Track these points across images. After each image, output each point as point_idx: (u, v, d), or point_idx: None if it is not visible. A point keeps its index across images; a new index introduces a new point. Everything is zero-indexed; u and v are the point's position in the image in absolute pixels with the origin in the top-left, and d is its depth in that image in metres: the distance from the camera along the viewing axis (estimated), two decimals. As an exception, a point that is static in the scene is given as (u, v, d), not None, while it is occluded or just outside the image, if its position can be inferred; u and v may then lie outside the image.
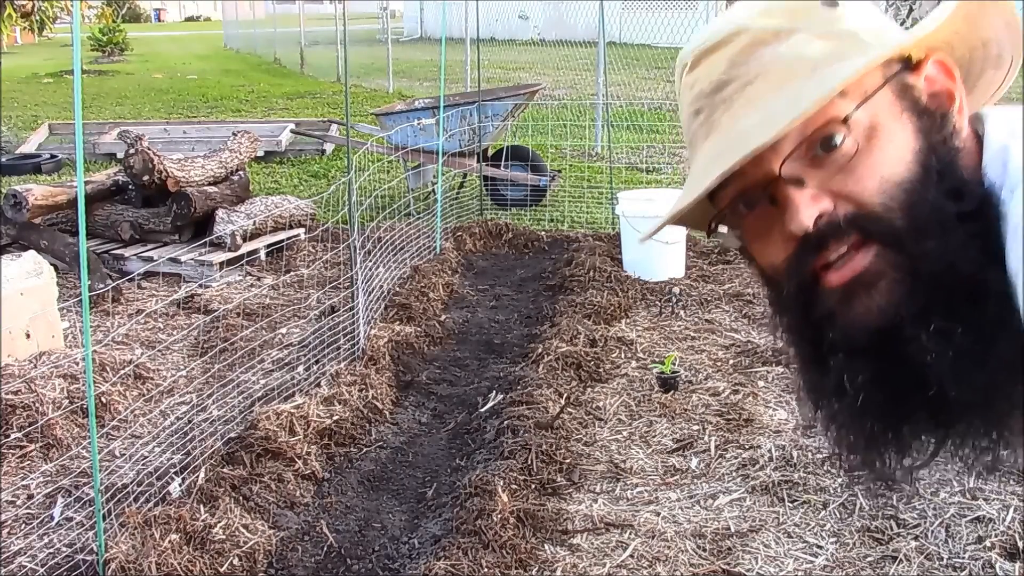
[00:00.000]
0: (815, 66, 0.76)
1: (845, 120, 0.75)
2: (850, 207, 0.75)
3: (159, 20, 60.58)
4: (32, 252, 4.43)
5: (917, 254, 0.73)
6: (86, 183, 5.30)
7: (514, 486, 2.95)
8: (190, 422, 3.45)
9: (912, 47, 0.79)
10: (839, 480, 3.04)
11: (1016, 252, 0.70)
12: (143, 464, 3.17)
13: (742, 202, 0.82)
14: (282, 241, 5.82)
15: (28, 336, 4.00)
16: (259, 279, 5.40)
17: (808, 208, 0.75)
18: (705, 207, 0.83)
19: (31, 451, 3.29)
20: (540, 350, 4.03)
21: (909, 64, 0.79)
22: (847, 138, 0.75)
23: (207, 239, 5.12)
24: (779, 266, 0.80)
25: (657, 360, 4.00)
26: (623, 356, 4.13)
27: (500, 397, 3.75)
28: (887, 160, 0.75)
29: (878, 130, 0.76)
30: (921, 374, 0.73)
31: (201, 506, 2.82)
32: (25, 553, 2.75)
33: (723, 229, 0.87)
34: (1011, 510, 2.81)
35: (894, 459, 0.81)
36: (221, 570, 2.60)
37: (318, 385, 3.72)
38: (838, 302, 0.76)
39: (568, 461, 3.18)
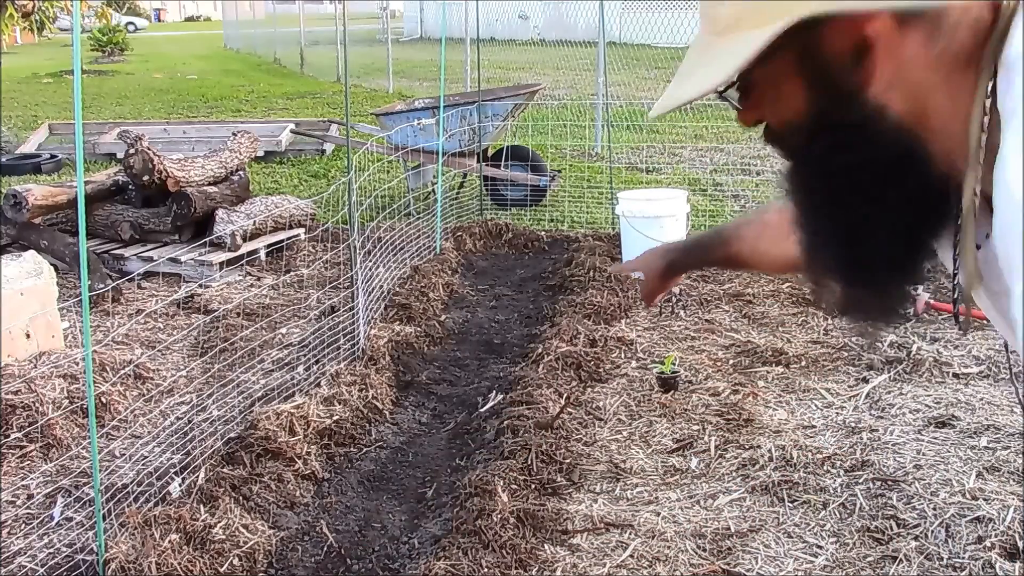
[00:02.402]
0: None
1: (749, 71, 0.87)
2: (772, 121, 0.93)
3: (159, 20, 60.61)
4: (32, 252, 4.43)
5: (801, 159, 0.92)
6: (86, 183, 5.30)
7: (514, 486, 2.95)
8: (190, 422, 3.45)
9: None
10: (839, 480, 3.04)
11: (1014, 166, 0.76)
12: (143, 464, 3.17)
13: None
14: (282, 241, 5.82)
15: (28, 336, 4.00)
16: (259, 279, 5.40)
17: (745, 117, 0.94)
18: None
19: (31, 451, 3.29)
20: (540, 350, 4.03)
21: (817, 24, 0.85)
22: (756, 82, 0.89)
23: (207, 239, 5.12)
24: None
25: (657, 360, 4.00)
26: (623, 356, 4.13)
27: (500, 397, 3.75)
28: (782, 108, 0.90)
29: (776, 82, 0.88)
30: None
31: (201, 506, 2.82)
32: (25, 553, 2.75)
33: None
34: (1011, 510, 2.81)
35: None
36: (221, 570, 2.60)
37: (318, 385, 3.72)
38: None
39: (568, 461, 3.18)
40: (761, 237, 1.43)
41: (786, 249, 1.35)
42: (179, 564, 2.54)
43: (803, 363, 3.96)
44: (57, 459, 3.23)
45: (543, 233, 6.25)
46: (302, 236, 6.00)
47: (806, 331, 4.33)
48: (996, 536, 2.68)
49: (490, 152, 7.05)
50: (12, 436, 3.28)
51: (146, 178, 5.46)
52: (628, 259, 5.31)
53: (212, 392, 3.68)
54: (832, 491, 2.99)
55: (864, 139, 0.87)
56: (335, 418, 3.48)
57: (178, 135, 9.86)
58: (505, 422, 3.41)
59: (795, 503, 2.94)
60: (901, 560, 2.61)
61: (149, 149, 5.48)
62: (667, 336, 4.37)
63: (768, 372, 3.90)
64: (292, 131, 9.48)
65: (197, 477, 3.04)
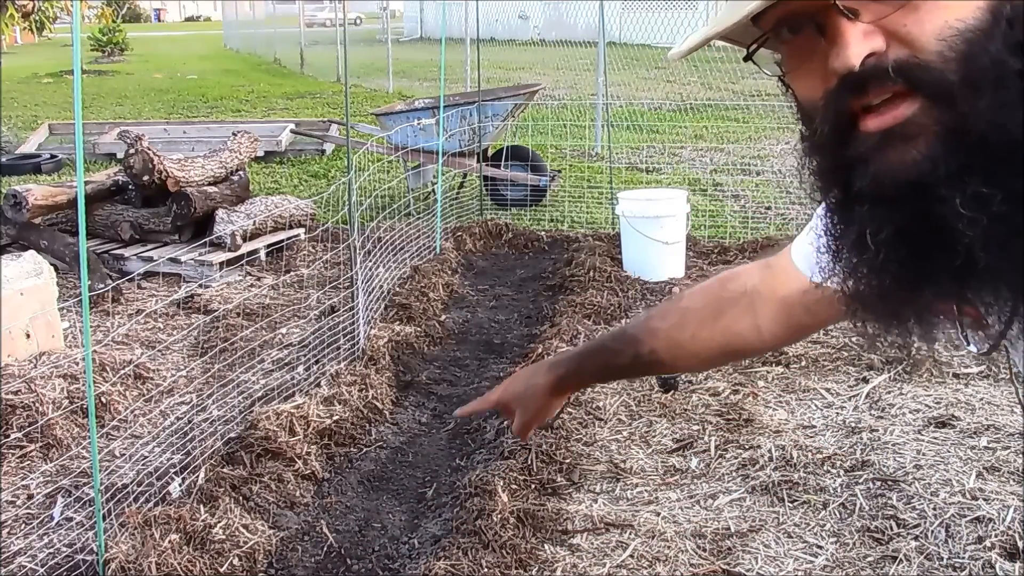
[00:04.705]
0: None
1: None
2: (903, 51, 0.68)
3: (159, 20, 60.63)
4: (32, 252, 4.43)
5: (966, 111, 0.66)
6: (86, 183, 5.30)
7: (514, 486, 2.95)
8: (190, 422, 3.45)
9: None
10: (839, 480, 3.04)
11: None
12: (143, 464, 3.17)
13: (787, 26, 0.75)
14: (282, 241, 5.82)
15: (28, 336, 4.00)
16: (259, 279, 5.40)
17: (858, 45, 0.68)
18: (747, 25, 0.75)
19: (31, 451, 3.29)
20: (540, 350, 4.03)
21: None
22: None
23: (207, 239, 5.12)
24: (817, 101, 0.74)
25: (657, 360, 3.99)
26: (623, 356, 4.12)
27: (500, 397, 3.74)
28: (954, 2, 0.67)
29: None
30: (950, 238, 0.67)
31: (201, 506, 2.82)
32: (25, 553, 2.75)
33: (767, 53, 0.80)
34: (1011, 510, 2.81)
35: (914, 322, 0.76)
36: (221, 570, 2.60)
37: (318, 385, 3.72)
38: (872, 148, 0.70)
39: (568, 461, 3.18)
40: (683, 325, 1.24)
41: (716, 332, 1.21)
42: (179, 564, 2.54)
43: (803, 363, 3.96)
44: (57, 459, 3.22)
45: (543, 233, 6.25)
46: (302, 236, 6.00)
47: (806, 331, 4.33)
48: (996, 536, 2.68)
49: (490, 152, 7.05)
50: (12, 436, 3.28)
51: (146, 178, 5.46)
52: (628, 259, 5.31)
53: (212, 392, 3.68)
54: (832, 491, 2.99)
55: None
56: (335, 418, 3.48)
57: (178, 135, 9.86)
58: (505, 422, 3.40)
59: (795, 503, 2.94)
60: (901, 560, 2.61)
61: (149, 149, 5.47)
62: (667, 336, 4.36)
63: (768, 372, 3.89)
64: (292, 131, 9.48)
65: (197, 477, 3.04)
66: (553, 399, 1.39)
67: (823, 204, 1.01)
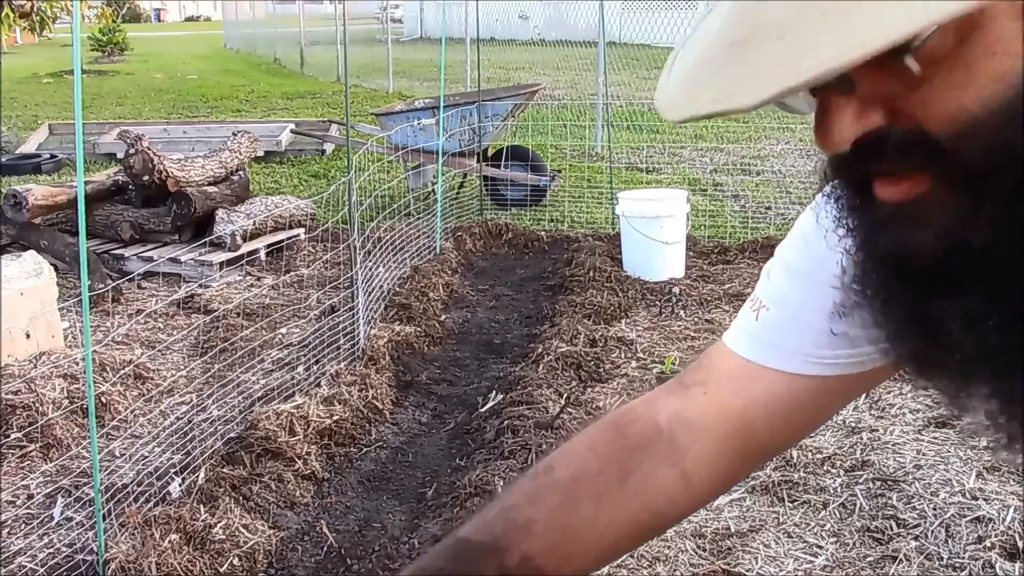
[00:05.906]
0: None
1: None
2: (908, 126, 0.55)
3: (159, 20, 60.65)
4: (32, 252, 4.43)
5: (979, 211, 0.54)
6: (86, 183, 5.29)
7: (514, 486, 2.95)
8: (190, 422, 3.45)
9: None
10: (839, 480, 3.05)
11: None
12: (143, 464, 3.17)
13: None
14: (282, 241, 5.82)
15: (28, 336, 4.00)
16: (259, 279, 5.40)
17: (843, 125, 0.56)
18: None
19: (31, 451, 3.29)
20: (540, 350, 4.03)
21: None
22: (930, 38, 0.51)
23: (207, 239, 5.12)
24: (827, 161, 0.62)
25: (657, 360, 4.00)
26: (623, 356, 4.13)
27: (500, 397, 3.75)
28: (979, 77, 0.52)
29: (980, 30, 0.51)
30: (943, 335, 0.59)
31: (201, 506, 2.82)
32: (25, 553, 2.75)
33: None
34: (1011, 510, 2.81)
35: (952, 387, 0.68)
36: (221, 570, 2.60)
37: (318, 385, 3.72)
38: (888, 218, 0.59)
39: (568, 461, 3.18)
40: (573, 503, 0.83)
41: (626, 500, 0.84)
42: (179, 564, 2.54)
43: (803, 363, 3.96)
44: (57, 459, 3.22)
45: (543, 233, 6.25)
46: (302, 236, 6.00)
47: (806, 331, 4.33)
48: (996, 536, 2.68)
49: (490, 152, 7.05)
50: (12, 436, 3.29)
51: (146, 178, 5.46)
52: (628, 259, 5.31)
53: (212, 392, 3.68)
54: (832, 491, 2.99)
55: None
56: (335, 418, 3.48)
57: (178, 135, 9.86)
58: (505, 422, 3.41)
59: (795, 503, 2.94)
60: (901, 560, 2.62)
61: (149, 149, 5.48)
62: (667, 336, 4.37)
63: (768, 372, 3.89)
64: (292, 131, 9.48)
65: (197, 477, 3.04)
66: None
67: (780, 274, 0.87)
